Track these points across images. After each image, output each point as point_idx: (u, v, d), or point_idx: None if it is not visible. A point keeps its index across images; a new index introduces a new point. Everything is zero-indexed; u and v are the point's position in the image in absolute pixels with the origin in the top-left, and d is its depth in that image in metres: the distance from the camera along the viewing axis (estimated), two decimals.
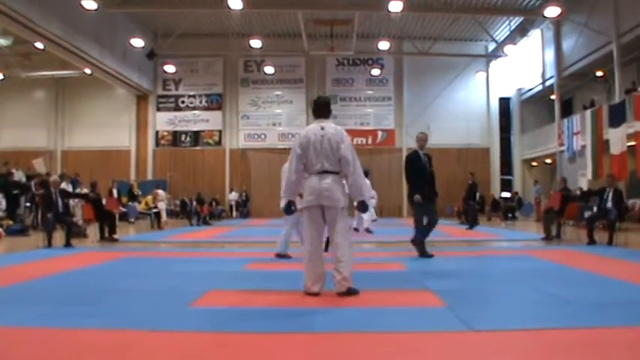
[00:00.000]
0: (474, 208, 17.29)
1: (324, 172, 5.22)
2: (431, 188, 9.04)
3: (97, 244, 11.84)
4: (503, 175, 29.07)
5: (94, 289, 5.74)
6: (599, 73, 22.33)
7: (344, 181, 5.40)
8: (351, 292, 5.11)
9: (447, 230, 16.33)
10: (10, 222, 14.97)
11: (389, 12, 21.31)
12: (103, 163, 28.20)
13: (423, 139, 9.28)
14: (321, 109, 5.55)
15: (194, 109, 29.92)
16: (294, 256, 8.16)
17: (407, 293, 5.47)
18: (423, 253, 8.63)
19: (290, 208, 5.49)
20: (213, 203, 24.02)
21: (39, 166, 21.13)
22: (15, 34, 20.57)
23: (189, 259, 9.04)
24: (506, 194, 26.88)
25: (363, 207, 5.67)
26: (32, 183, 17.16)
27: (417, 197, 8.69)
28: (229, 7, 20.67)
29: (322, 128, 5.30)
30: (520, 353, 3.46)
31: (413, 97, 29.48)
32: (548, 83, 25.07)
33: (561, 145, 23.06)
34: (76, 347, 3.48)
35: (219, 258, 9.14)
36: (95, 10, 19.71)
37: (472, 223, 16.83)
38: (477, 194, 21.04)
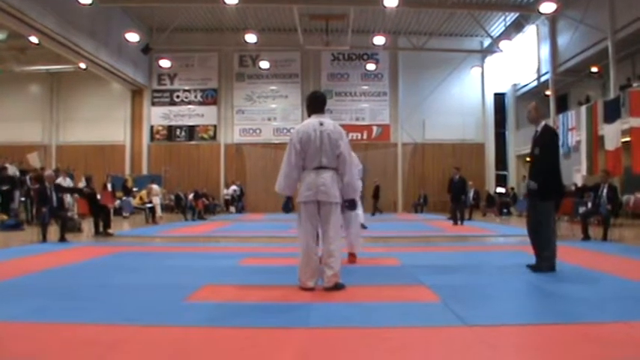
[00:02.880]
0: (465, 205, 17.28)
1: (321, 168, 5.22)
2: (538, 175, 6.54)
3: (91, 238, 11.82)
4: (498, 171, 29.13)
5: (89, 283, 5.73)
6: (594, 69, 22.35)
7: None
8: (338, 287, 5.15)
9: (440, 225, 16.37)
10: (5, 217, 14.92)
11: (384, 7, 21.28)
12: (97, 158, 28.16)
13: (532, 107, 6.90)
14: (319, 103, 5.52)
15: (189, 103, 29.84)
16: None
17: (402, 288, 5.48)
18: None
19: (288, 206, 5.47)
20: (204, 198, 23.87)
21: (33, 160, 21.04)
22: (9, 28, 20.43)
23: (184, 253, 9.03)
24: (501, 190, 26.92)
25: (352, 205, 5.64)
26: (27, 177, 17.10)
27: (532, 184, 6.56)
28: (224, 2, 20.61)
29: (321, 124, 5.28)
30: (515, 348, 3.48)
31: (408, 93, 29.47)
32: (543, 79, 25.09)
33: None
34: (71, 342, 3.47)
35: (214, 253, 9.13)
36: (90, 4, 19.62)
37: (462, 219, 16.83)
38: (473, 190, 21.20)
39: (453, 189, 16.87)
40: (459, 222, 16.56)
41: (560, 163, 6.77)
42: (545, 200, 6.46)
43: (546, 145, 6.53)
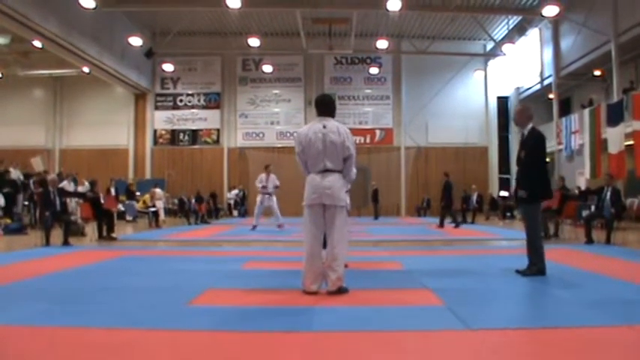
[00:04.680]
0: (446, 207, 17.28)
1: (326, 171, 5.22)
2: (524, 181, 6.50)
3: (95, 242, 11.83)
4: (501, 174, 29.05)
5: (93, 287, 5.74)
6: (597, 73, 22.33)
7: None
8: (341, 291, 5.14)
9: (443, 229, 16.33)
10: (8, 220, 14.95)
11: (387, 11, 21.27)
12: (101, 162, 28.19)
13: (516, 111, 7.05)
14: (323, 106, 5.49)
15: (192, 107, 29.89)
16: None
17: (405, 292, 5.47)
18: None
19: None
20: (210, 201, 23.85)
21: (37, 164, 21.09)
22: (13, 32, 20.51)
23: (187, 257, 9.02)
24: (504, 193, 26.87)
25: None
26: (31, 181, 17.15)
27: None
28: (227, 6, 20.64)
29: (324, 127, 5.27)
30: (518, 352, 3.47)
31: (411, 96, 29.48)
32: (546, 82, 25.07)
33: (559, 144, 23.09)
34: (75, 345, 3.48)
35: (217, 257, 9.12)
36: (93, 8, 19.67)
37: (441, 221, 16.97)
38: (476, 194, 21.22)
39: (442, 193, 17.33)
40: (440, 223, 16.86)
41: (547, 166, 6.70)
42: (531, 204, 6.47)
43: (532, 148, 6.47)
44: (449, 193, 17.04)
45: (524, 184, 6.45)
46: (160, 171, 29.00)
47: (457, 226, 16.66)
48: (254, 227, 15.46)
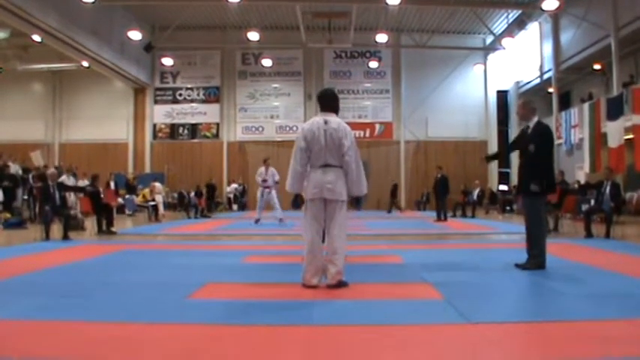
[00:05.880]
0: (445, 202, 17.34)
1: (327, 166, 5.24)
2: (527, 174, 6.51)
3: (94, 236, 11.83)
4: (500, 168, 29.01)
5: (92, 281, 5.75)
6: (597, 67, 22.29)
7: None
8: (341, 285, 5.16)
9: (443, 223, 16.34)
10: (8, 215, 14.95)
11: (387, 4, 21.20)
12: (100, 156, 28.16)
13: (519, 105, 7.05)
14: (325, 101, 5.51)
15: (192, 101, 29.83)
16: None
17: (405, 286, 5.48)
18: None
19: (297, 202, 5.48)
20: (204, 190, 23.46)
21: (36, 158, 21.06)
22: (12, 26, 20.45)
23: (187, 251, 9.03)
24: (503, 187, 26.86)
25: (357, 202, 5.61)
26: (30, 176, 17.14)
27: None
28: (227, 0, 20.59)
29: (326, 122, 5.29)
30: (518, 346, 3.48)
31: (411, 90, 29.43)
32: (546, 76, 25.02)
33: (559, 138, 23.05)
34: (74, 339, 3.48)
35: (217, 251, 9.12)
36: (92, 2, 19.62)
37: (445, 214, 17.12)
38: (478, 188, 21.25)
39: (436, 186, 17.50)
40: (443, 217, 17.00)
41: (554, 160, 6.68)
42: (536, 197, 6.45)
43: (542, 142, 6.42)
44: (446, 186, 17.15)
45: (534, 178, 6.35)
46: (160, 165, 28.95)
47: (439, 220, 16.79)
48: (257, 221, 15.43)
